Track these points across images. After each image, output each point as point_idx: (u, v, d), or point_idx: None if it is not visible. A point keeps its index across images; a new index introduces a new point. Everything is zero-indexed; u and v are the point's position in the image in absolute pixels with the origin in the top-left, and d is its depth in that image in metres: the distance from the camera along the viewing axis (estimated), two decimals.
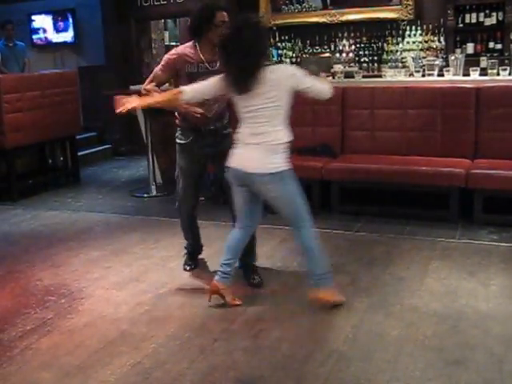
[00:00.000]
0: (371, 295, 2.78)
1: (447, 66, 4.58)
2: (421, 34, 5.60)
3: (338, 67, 5.07)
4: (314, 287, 2.62)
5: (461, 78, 4.38)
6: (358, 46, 5.95)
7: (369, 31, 5.93)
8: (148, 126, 5.06)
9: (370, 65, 5.83)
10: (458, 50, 5.14)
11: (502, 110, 4.02)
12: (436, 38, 5.53)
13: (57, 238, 3.98)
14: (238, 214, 2.72)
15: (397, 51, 5.65)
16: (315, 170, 4.15)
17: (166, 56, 2.90)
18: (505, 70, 4.26)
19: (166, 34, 8.26)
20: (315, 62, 5.35)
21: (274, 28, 6.36)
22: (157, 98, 2.72)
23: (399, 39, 5.73)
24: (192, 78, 2.70)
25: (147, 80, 2.94)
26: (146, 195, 5.07)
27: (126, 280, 3.14)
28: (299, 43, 6.28)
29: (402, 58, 5.51)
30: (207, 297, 2.74)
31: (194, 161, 2.95)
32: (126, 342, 2.45)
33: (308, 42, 6.25)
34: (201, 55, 2.79)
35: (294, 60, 6.20)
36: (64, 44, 7.51)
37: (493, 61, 4.40)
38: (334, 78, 4.80)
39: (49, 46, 7.61)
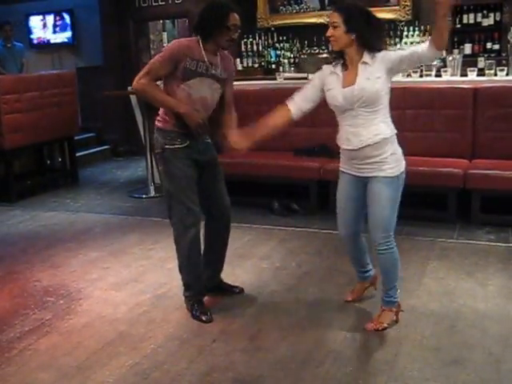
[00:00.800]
0: (369, 295, 2.79)
1: (445, 66, 4.59)
2: (418, 35, 5.62)
3: None
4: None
5: (458, 78, 4.39)
6: None
7: None
8: (146, 127, 5.06)
9: None
10: (456, 51, 5.15)
11: (499, 111, 4.03)
12: None
13: (55, 238, 3.98)
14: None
15: None
16: (313, 171, 4.16)
17: (169, 47, 2.55)
18: (502, 70, 4.27)
19: (165, 35, 8.26)
20: (313, 62, 5.35)
21: (273, 29, 6.38)
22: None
23: (397, 40, 5.74)
24: (187, 75, 2.46)
25: (141, 73, 2.54)
26: (144, 196, 5.06)
27: (125, 281, 3.14)
28: (297, 44, 6.30)
29: None
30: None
31: (190, 165, 2.58)
32: (124, 343, 2.45)
33: (306, 42, 6.27)
34: (204, 54, 2.50)
35: (291, 61, 6.21)
36: (62, 45, 7.51)
37: (490, 61, 4.41)
38: None
39: (47, 46, 7.60)
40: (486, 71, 4.35)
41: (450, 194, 3.85)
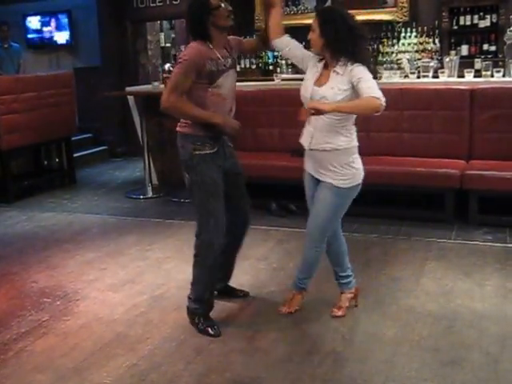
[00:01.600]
0: (367, 296, 2.79)
1: (442, 67, 4.60)
2: (416, 36, 5.63)
3: None
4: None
5: (455, 79, 4.40)
6: None
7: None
8: (144, 128, 5.06)
9: None
10: (453, 52, 5.16)
11: (496, 112, 4.04)
12: (431, 40, 5.56)
13: (52, 239, 3.96)
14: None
15: (392, 53, 5.67)
16: None
17: (186, 56, 2.38)
18: (499, 71, 4.28)
19: (162, 36, 8.26)
20: None
21: None
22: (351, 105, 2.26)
23: (394, 41, 5.74)
24: (213, 76, 2.39)
25: (167, 90, 2.40)
26: (142, 197, 5.05)
27: (122, 282, 3.13)
28: None
29: (398, 60, 5.53)
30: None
31: (219, 172, 2.47)
32: (121, 344, 2.44)
33: (303, 43, 6.24)
34: (216, 53, 2.42)
35: (289, 62, 6.21)
36: (60, 45, 7.49)
37: (487, 63, 4.43)
38: None
39: (44, 47, 7.58)
40: (483, 72, 4.37)
41: (447, 194, 3.86)
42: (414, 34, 5.65)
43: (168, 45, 8.47)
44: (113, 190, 5.46)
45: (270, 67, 6.35)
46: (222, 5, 2.40)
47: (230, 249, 2.70)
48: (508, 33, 4.48)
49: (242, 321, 2.63)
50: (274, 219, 4.14)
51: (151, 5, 6.94)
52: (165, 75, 5.24)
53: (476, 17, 5.52)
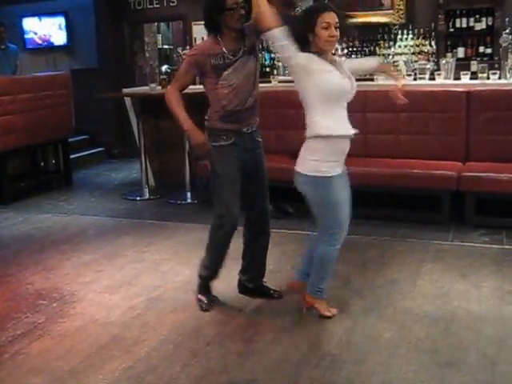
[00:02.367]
0: (364, 298, 2.79)
1: (438, 69, 4.62)
2: (412, 38, 5.65)
3: None
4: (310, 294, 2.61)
5: (452, 81, 4.42)
6: (350, 49, 5.99)
7: (361, 35, 5.97)
8: (141, 129, 5.05)
9: None
10: (449, 54, 5.19)
11: (492, 114, 4.06)
12: (427, 42, 5.58)
13: (49, 241, 3.95)
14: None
15: (389, 55, 5.68)
16: None
17: (187, 55, 2.80)
18: (494, 73, 4.30)
19: (159, 38, 8.26)
20: None
21: None
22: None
23: (391, 43, 5.77)
24: (218, 70, 2.53)
25: (172, 84, 2.70)
26: (138, 198, 5.05)
27: (119, 283, 3.12)
28: None
29: (394, 62, 5.53)
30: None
31: (235, 164, 2.61)
32: (118, 346, 2.43)
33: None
34: (223, 49, 2.54)
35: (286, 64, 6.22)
36: (57, 47, 7.48)
37: (483, 65, 4.44)
38: None
39: (41, 48, 7.57)
40: (479, 75, 4.38)
41: (444, 196, 3.87)
42: (411, 36, 5.68)
43: (165, 46, 8.49)
44: (109, 191, 5.44)
45: (267, 69, 6.36)
46: (236, 8, 2.49)
47: (253, 247, 2.79)
48: (503, 35, 4.50)
49: (238, 323, 2.62)
50: (271, 221, 4.13)
51: (148, 6, 6.95)
52: (162, 77, 5.24)
53: (472, 19, 5.56)
